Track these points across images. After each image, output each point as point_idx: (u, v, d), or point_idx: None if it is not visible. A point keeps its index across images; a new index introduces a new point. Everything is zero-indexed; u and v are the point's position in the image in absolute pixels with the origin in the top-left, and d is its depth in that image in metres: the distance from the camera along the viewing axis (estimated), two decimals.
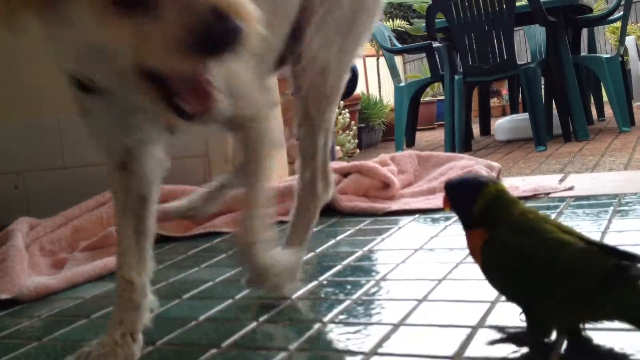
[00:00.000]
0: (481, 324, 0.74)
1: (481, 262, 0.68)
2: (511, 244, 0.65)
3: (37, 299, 1.10)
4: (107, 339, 0.76)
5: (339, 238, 1.27)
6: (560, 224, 0.68)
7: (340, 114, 4.50)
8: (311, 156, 1.00)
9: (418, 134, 4.62)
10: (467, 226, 0.70)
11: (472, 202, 0.68)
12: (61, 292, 1.13)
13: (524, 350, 0.66)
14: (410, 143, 4.36)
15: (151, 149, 0.88)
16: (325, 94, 0.98)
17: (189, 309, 0.96)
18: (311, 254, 1.17)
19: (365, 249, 1.16)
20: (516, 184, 1.52)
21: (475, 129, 4.32)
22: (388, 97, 6.42)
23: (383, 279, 0.97)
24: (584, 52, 4.01)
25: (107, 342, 0.76)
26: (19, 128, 1.98)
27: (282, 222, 1.46)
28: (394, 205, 1.44)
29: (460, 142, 3.51)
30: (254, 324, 0.85)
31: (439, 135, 5.00)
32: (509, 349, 0.67)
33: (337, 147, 3.69)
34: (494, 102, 6.02)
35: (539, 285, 0.64)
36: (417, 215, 1.38)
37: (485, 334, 0.71)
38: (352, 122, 4.75)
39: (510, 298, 0.68)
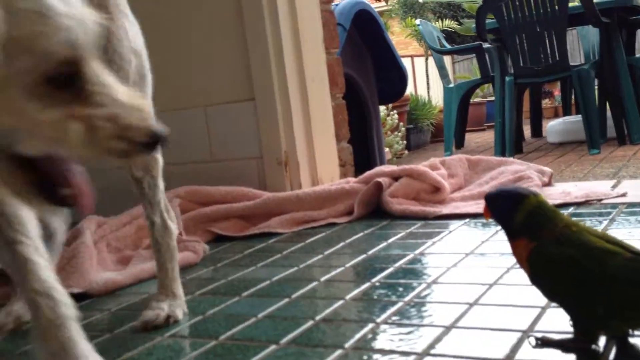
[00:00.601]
0: (531, 328, 0.77)
1: (529, 272, 0.70)
2: (558, 255, 0.67)
3: (105, 293, 1.17)
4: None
5: (390, 241, 1.30)
6: (605, 233, 0.70)
7: (388, 115, 4.52)
8: (157, 201, 1.09)
9: (467, 135, 4.60)
10: (510, 236, 0.72)
11: (512, 213, 0.70)
12: (127, 287, 1.20)
13: (573, 356, 0.68)
14: (459, 144, 4.34)
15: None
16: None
17: (248, 306, 1.01)
18: (363, 256, 1.21)
19: (417, 252, 1.20)
20: (568, 189, 1.52)
21: (527, 130, 4.27)
22: (437, 97, 6.39)
23: (434, 282, 1.01)
24: (638, 54, 3.92)
25: None
26: None
27: (333, 225, 1.51)
28: (445, 209, 1.47)
29: (511, 144, 3.49)
30: (310, 323, 0.89)
31: (488, 136, 4.96)
32: (558, 355, 0.69)
33: (387, 149, 3.71)
34: (546, 103, 5.93)
35: (587, 295, 0.65)
36: (467, 220, 1.40)
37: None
38: (401, 123, 4.77)
39: (559, 305, 0.70)
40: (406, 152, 4.76)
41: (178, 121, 1.91)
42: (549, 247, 0.67)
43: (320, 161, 1.84)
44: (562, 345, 0.69)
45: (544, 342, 0.71)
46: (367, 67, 2.64)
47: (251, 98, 1.80)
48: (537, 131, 4.34)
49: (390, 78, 2.79)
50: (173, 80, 1.91)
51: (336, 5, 2.46)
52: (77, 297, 1.15)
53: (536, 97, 4.35)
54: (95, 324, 1.01)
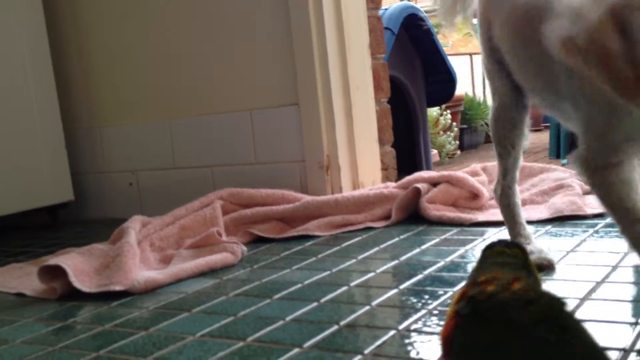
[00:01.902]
0: None
1: None
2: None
3: (146, 292, 1.23)
4: None
5: (424, 247, 1.32)
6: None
7: (441, 115, 4.48)
8: None
9: None
10: None
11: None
12: (167, 287, 1.25)
13: None
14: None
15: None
16: None
17: (278, 309, 1.04)
18: (395, 262, 1.23)
19: (448, 259, 1.21)
20: None
21: None
22: None
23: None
24: None
25: None
26: (133, 130, 2.16)
27: (370, 229, 1.54)
28: (481, 216, 1.47)
29: (566, 147, 3.41)
30: (334, 327, 0.92)
31: (545, 137, 4.85)
32: None
33: (435, 151, 3.70)
34: None
35: None
36: (503, 227, 1.40)
37: None
38: (454, 123, 4.72)
39: None
40: (458, 152, 4.71)
41: (224, 124, 1.98)
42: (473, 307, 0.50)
43: (361, 165, 1.86)
44: None
45: None
46: (415, 70, 2.64)
47: (295, 103, 1.84)
48: None
49: (439, 81, 2.79)
50: (220, 84, 1.97)
51: (385, 9, 2.47)
52: (120, 294, 1.22)
53: None
54: (133, 322, 1.06)
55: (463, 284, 1.04)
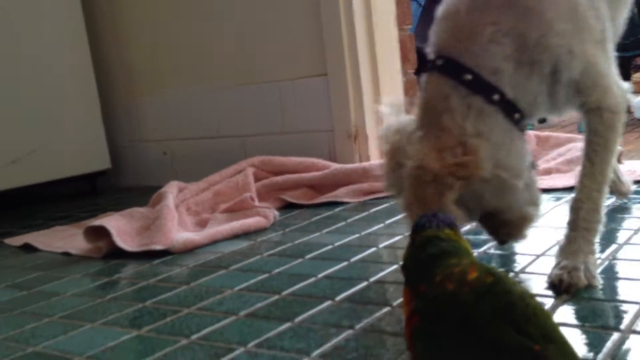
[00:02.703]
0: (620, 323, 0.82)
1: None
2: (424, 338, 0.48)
3: (185, 251, 1.30)
4: None
5: None
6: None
7: None
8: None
9: None
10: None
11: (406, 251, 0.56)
12: (204, 247, 1.32)
13: None
14: (542, 119, 4.26)
15: None
16: None
17: (310, 267, 1.10)
18: None
19: (474, 223, 1.25)
20: (635, 168, 1.52)
21: None
22: None
23: (485, 252, 1.07)
24: None
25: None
26: (167, 101, 2.23)
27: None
28: None
29: None
30: (364, 283, 0.98)
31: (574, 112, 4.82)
32: None
33: None
34: (636, 77, 5.68)
35: None
36: None
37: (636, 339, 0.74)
38: None
39: None
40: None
41: (254, 95, 2.03)
42: (429, 306, 0.49)
43: None
44: None
45: None
46: None
47: (324, 74, 1.88)
48: None
49: None
50: (250, 56, 2.02)
51: None
52: (160, 253, 1.29)
53: (626, 71, 4.20)
54: (175, 277, 1.14)
55: (485, 247, 1.09)
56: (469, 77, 0.83)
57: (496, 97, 0.83)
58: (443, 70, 0.85)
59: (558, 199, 1.36)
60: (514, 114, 0.85)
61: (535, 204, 0.92)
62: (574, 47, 0.84)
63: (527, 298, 0.46)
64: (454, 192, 0.81)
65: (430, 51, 0.90)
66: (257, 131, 2.03)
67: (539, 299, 0.82)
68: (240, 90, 2.05)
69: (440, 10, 0.90)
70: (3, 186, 2.02)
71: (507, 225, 0.91)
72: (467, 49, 0.84)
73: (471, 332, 0.44)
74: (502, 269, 0.95)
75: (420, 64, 2.11)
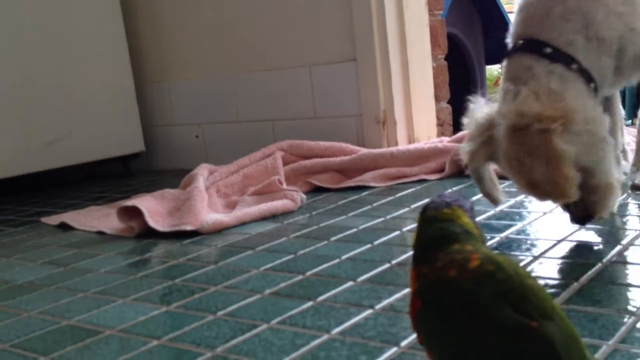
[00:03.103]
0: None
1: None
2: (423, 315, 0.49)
3: (214, 232, 1.33)
4: None
5: (474, 198, 1.37)
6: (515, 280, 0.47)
7: (502, 74, 4.44)
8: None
9: None
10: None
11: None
12: (233, 228, 1.35)
13: None
14: None
15: None
16: None
17: (334, 249, 1.13)
18: None
19: (497, 209, 1.26)
20: None
21: None
22: None
23: (506, 236, 1.08)
24: None
25: None
26: (199, 85, 2.27)
27: (424, 181, 1.60)
28: None
29: (630, 107, 3.35)
30: (386, 265, 1.00)
31: None
32: None
33: None
34: None
35: None
36: None
37: None
38: None
39: None
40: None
41: (284, 79, 2.06)
42: (429, 290, 0.49)
43: (417, 120, 1.91)
44: None
45: None
46: (474, 27, 2.64)
47: (353, 59, 1.90)
48: None
49: (498, 38, 2.78)
50: (281, 41, 2.05)
51: None
52: (190, 234, 1.33)
53: None
54: (203, 257, 1.17)
55: (509, 231, 1.10)
56: (548, 50, 0.90)
57: (574, 66, 0.90)
58: (524, 48, 0.92)
59: None
60: (591, 83, 0.91)
61: (620, 170, 1.00)
62: (636, 25, 0.92)
63: (525, 280, 0.47)
64: (560, 137, 0.85)
65: (509, 41, 0.98)
66: (287, 116, 2.06)
67: (555, 284, 0.83)
68: (270, 75, 2.08)
69: (516, 5, 1.00)
70: (40, 167, 2.08)
71: (593, 193, 0.94)
72: (543, 27, 0.92)
73: (471, 316, 0.45)
74: (511, 254, 0.97)
75: (451, 50, 2.11)
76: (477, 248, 0.50)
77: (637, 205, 1.18)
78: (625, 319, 0.71)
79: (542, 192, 0.89)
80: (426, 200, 0.55)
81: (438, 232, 0.52)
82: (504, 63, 0.97)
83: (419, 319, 0.50)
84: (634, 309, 0.74)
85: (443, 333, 0.47)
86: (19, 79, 2.04)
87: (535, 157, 0.85)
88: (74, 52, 2.16)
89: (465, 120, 1.01)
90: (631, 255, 0.92)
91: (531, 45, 0.92)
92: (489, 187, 1.05)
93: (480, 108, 0.98)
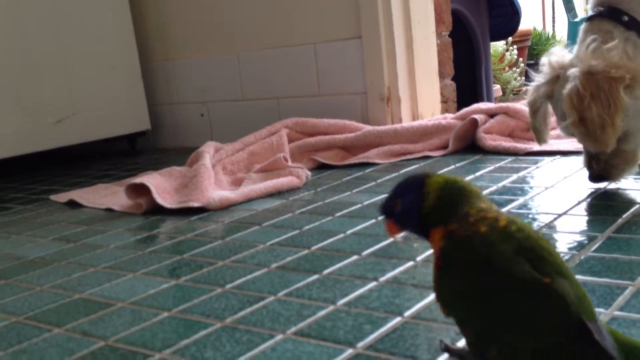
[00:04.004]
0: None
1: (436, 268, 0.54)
2: (462, 257, 0.51)
3: (220, 209, 1.35)
4: None
5: (477, 174, 1.39)
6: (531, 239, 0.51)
7: (507, 50, 4.41)
8: None
9: None
10: (426, 231, 0.55)
11: (419, 203, 0.55)
12: (239, 205, 1.37)
13: None
14: None
15: None
16: None
17: (339, 224, 1.14)
18: None
19: (500, 184, 1.28)
20: None
21: None
22: (564, 32, 6.10)
23: (508, 211, 1.09)
24: None
25: None
26: (204, 63, 2.27)
27: (427, 157, 1.61)
28: (536, 146, 1.52)
29: None
30: (390, 240, 1.02)
31: None
32: None
33: (497, 86, 3.67)
34: None
35: (475, 321, 0.51)
36: (557, 156, 1.45)
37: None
38: (520, 59, 4.64)
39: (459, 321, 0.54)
40: (524, 88, 4.64)
41: (289, 57, 2.06)
42: (457, 245, 0.52)
43: (421, 97, 1.92)
44: (463, 357, 0.61)
45: (447, 349, 0.63)
46: (478, 3, 2.63)
47: (358, 36, 1.90)
48: None
49: (503, 14, 2.77)
50: (285, 18, 2.05)
51: None
52: (197, 210, 1.35)
53: None
54: (211, 232, 1.20)
55: (512, 206, 1.11)
56: (625, 18, 1.03)
57: None
58: (604, 14, 1.05)
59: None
60: None
61: None
62: None
63: (542, 241, 0.51)
64: (625, 90, 0.97)
65: (591, 7, 1.09)
66: (291, 93, 2.07)
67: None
68: (275, 53, 2.08)
69: None
70: (47, 146, 2.10)
71: (618, 157, 1.07)
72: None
73: (491, 268, 0.49)
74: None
75: (455, 26, 2.10)
76: (509, 217, 0.53)
77: (636, 180, 1.19)
78: (624, 289, 0.73)
79: (586, 131, 1.00)
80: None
81: (458, 190, 0.54)
82: (583, 25, 1.08)
83: (439, 274, 0.52)
84: (631, 280, 0.75)
85: (463, 285, 0.50)
86: (24, 59, 2.05)
87: (596, 98, 0.96)
88: (78, 31, 2.17)
89: (541, 61, 1.12)
90: (629, 228, 0.94)
91: (611, 12, 1.04)
92: (539, 123, 1.15)
93: (558, 53, 1.09)
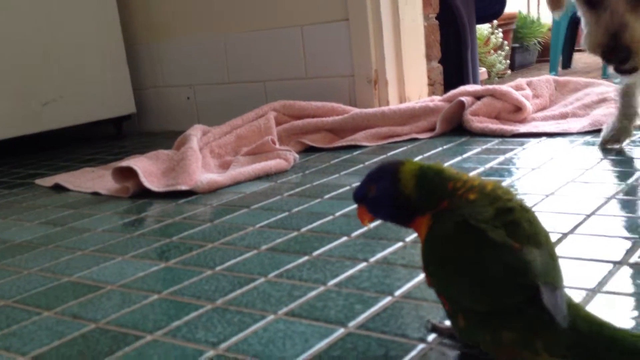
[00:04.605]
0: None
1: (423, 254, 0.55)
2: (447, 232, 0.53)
3: (208, 192, 1.35)
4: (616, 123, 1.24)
5: (465, 155, 1.40)
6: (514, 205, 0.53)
7: (492, 33, 4.41)
8: None
9: (576, 56, 4.42)
10: (409, 218, 0.57)
11: (395, 191, 0.56)
12: (227, 188, 1.37)
13: None
14: (566, 65, 4.19)
15: None
16: None
17: (328, 206, 1.15)
18: None
19: (487, 165, 1.28)
20: None
21: None
22: (548, 15, 6.12)
23: None
24: None
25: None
26: (190, 46, 2.26)
27: (415, 140, 1.62)
28: (523, 128, 1.53)
29: None
30: (379, 221, 1.02)
31: (598, 57, 4.74)
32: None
33: (483, 69, 3.68)
34: None
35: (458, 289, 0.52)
36: (543, 138, 1.46)
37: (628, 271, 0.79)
38: (505, 42, 4.65)
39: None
40: (509, 72, 4.66)
41: (276, 40, 2.05)
42: (442, 214, 0.53)
43: (408, 80, 1.92)
44: (453, 337, 0.61)
45: (434, 329, 0.63)
46: None
47: (345, 18, 1.89)
48: None
49: None
50: (272, 0, 2.03)
51: None
52: (185, 194, 1.35)
53: None
54: (199, 215, 1.19)
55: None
56: None
57: None
58: None
59: (572, 142, 1.38)
60: None
61: None
62: None
63: (525, 210, 0.52)
64: None
65: None
66: (278, 76, 2.06)
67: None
68: (262, 35, 2.07)
69: None
70: (32, 130, 2.08)
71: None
72: None
73: (470, 229, 0.50)
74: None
75: (442, 9, 2.10)
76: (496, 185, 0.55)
77: (612, 162, 1.20)
78: (607, 268, 0.74)
79: (615, 45, 0.97)
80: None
81: (436, 172, 0.56)
82: None
83: (426, 240, 0.54)
84: (615, 259, 0.76)
85: (442, 250, 0.52)
86: (7, 43, 2.02)
87: (637, 15, 0.95)
88: (63, 14, 2.14)
89: None
90: (613, 208, 0.95)
91: None
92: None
93: None
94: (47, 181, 1.63)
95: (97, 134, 2.41)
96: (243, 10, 2.11)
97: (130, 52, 2.35)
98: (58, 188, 1.58)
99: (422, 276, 0.78)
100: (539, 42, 5.18)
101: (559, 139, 1.44)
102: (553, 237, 0.85)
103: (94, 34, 2.22)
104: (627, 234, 0.84)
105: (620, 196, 1.00)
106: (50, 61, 2.11)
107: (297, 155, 1.53)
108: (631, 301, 0.66)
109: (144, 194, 1.39)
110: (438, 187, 0.55)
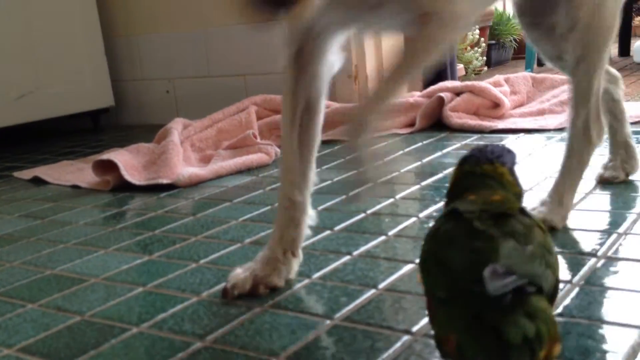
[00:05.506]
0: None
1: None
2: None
3: (190, 185, 1.35)
4: (269, 255, 0.79)
5: (444, 151, 1.41)
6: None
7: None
8: (586, 100, 0.90)
9: None
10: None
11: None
12: (209, 181, 1.37)
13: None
14: (542, 62, 4.25)
15: (328, 46, 0.82)
16: (604, 28, 0.89)
17: (310, 200, 1.15)
18: (418, 163, 1.33)
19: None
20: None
21: (614, 49, 4.13)
22: None
23: None
24: None
25: (269, 259, 0.78)
26: (169, 39, 2.24)
27: (395, 135, 1.63)
28: (501, 124, 1.55)
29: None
30: (361, 215, 1.03)
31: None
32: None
33: (460, 65, 3.71)
34: (637, 21, 5.63)
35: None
36: (521, 134, 1.49)
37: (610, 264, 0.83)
38: (482, 39, 4.70)
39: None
40: (485, 68, 4.70)
41: (255, 35, 2.04)
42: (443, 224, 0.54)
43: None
44: None
45: None
46: None
47: None
48: (624, 50, 4.18)
49: None
50: None
51: None
52: (166, 187, 1.34)
53: (627, 15, 4.17)
54: (181, 209, 1.19)
55: None
56: None
57: None
58: None
59: (549, 138, 1.41)
60: None
61: None
62: None
63: (531, 225, 0.52)
64: None
65: None
66: (258, 70, 2.06)
67: None
68: (241, 29, 2.07)
69: None
70: (9, 122, 2.06)
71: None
72: None
73: (462, 222, 0.52)
74: None
75: None
76: (506, 193, 0.55)
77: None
78: (588, 261, 0.76)
79: None
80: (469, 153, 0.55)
81: (469, 184, 0.56)
82: None
83: (426, 238, 0.55)
84: (595, 252, 0.79)
85: (435, 236, 0.54)
86: None
87: None
88: (40, 6, 2.11)
89: None
90: (593, 202, 0.97)
91: None
92: None
93: None
94: (26, 174, 1.62)
95: (74, 127, 2.39)
96: (223, 2, 2.10)
97: (109, 45, 2.33)
98: (37, 181, 1.57)
99: (405, 269, 0.80)
100: (514, 40, 5.24)
101: (536, 135, 1.46)
102: None
103: (71, 25, 2.20)
104: (605, 228, 0.86)
105: (598, 191, 1.02)
106: (27, 53, 2.09)
107: (278, 149, 1.53)
108: (610, 294, 0.68)
109: (124, 188, 1.38)
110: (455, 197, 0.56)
